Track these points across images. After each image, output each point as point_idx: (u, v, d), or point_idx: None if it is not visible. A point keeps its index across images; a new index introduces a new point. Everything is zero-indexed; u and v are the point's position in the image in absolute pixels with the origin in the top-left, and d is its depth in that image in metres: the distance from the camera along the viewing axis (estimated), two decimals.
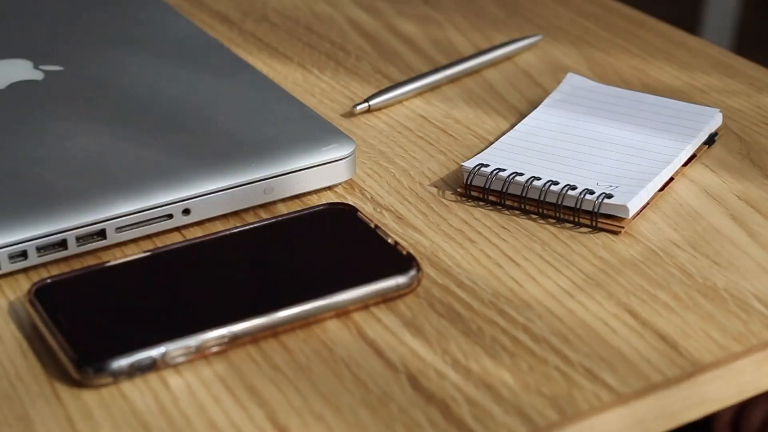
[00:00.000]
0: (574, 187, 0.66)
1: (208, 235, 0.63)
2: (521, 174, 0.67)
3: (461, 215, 0.67)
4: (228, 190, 0.65)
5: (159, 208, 0.64)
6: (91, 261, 0.63)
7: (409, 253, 0.61)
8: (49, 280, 0.59)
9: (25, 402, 0.54)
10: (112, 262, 0.61)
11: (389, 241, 0.62)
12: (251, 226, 0.64)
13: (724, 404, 0.57)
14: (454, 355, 0.56)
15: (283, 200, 0.68)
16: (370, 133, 0.75)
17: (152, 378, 0.55)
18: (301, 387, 0.54)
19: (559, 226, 0.66)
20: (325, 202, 0.67)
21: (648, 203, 0.67)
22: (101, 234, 0.63)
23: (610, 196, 0.65)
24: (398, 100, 0.78)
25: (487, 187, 0.67)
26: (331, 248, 0.63)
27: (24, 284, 0.61)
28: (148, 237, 0.65)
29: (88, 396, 0.54)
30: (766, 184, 0.69)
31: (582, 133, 0.72)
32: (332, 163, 0.68)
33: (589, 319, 0.58)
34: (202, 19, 0.91)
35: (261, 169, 0.66)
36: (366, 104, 0.77)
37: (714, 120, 0.73)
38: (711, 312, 0.59)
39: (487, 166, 0.68)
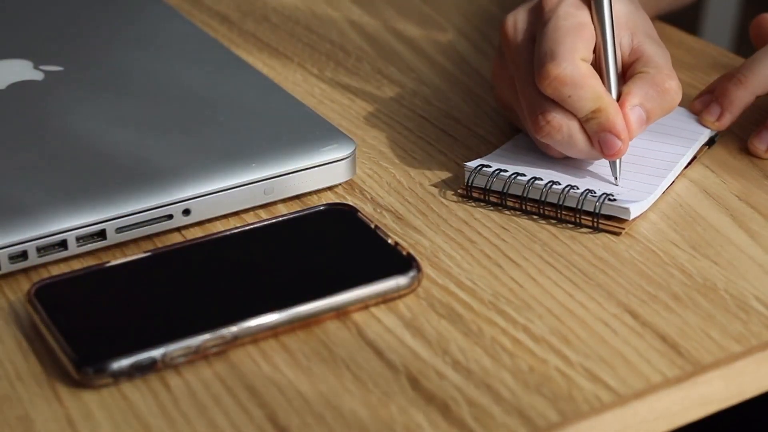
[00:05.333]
0: (576, 188, 0.66)
1: (208, 235, 0.63)
2: (523, 175, 0.67)
3: (461, 216, 0.67)
4: (228, 191, 0.65)
5: (159, 209, 0.64)
6: (91, 261, 0.63)
7: (409, 254, 0.61)
8: (49, 280, 0.59)
9: (25, 402, 0.54)
10: (112, 263, 0.61)
11: (389, 241, 0.62)
12: (251, 227, 0.64)
13: (724, 405, 0.57)
14: (454, 355, 0.56)
15: (283, 201, 0.68)
16: (370, 133, 0.75)
17: (152, 378, 0.55)
18: (301, 387, 0.54)
19: (559, 226, 0.66)
20: (325, 202, 0.67)
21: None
22: (101, 234, 0.63)
23: (612, 198, 0.65)
24: None
25: (488, 187, 0.67)
26: (331, 249, 0.63)
27: (24, 284, 0.61)
28: (148, 237, 0.65)
29: (88, 396, 0.54)
30: (766, 184, 0.69)
31: None
32: (332, 164, 0.68)
33: (589, 319, 0.58)
34: (202, 19, 0.91)
35: (261, 169, 0.66)
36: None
37: None
38: (711, 312, 0.59)
39: (488, 166, 0.68)
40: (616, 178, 0.67)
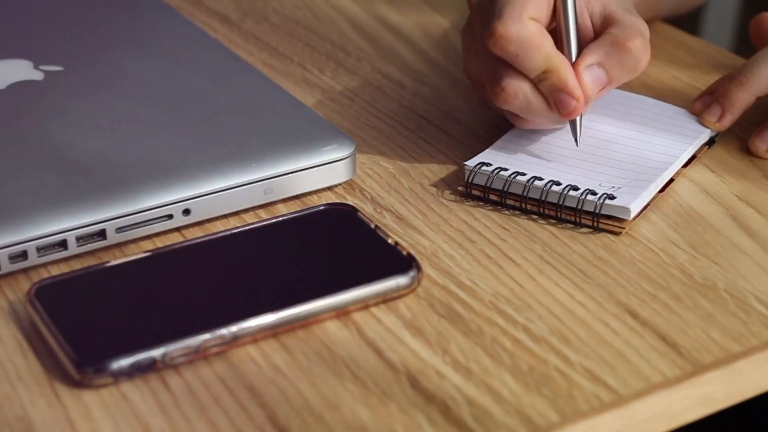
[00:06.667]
0: (576, 188, 0.66)
1: (208, 235, 0.63)
2: (523, 174, 0.67)
3: (461, 215, 0.67)
4: (228, 191, 0.65)
5: (159, 208, 0.64)
6: (91, 261, 0.63)
7: (409, 254, 0.61)
8: (49, 280, 0.59)
9: (25, 402, 0.54)
10: (113, 263, 0.61)
11: (389, 241, 0.62)
12: (251, 227, 0.63)
13: (724, 405, 0.57)
14: (454, 355, 0.56)
15: (283, 200, 0.68)
16: (370, 133, 0.75)
17: (152, 378, 0.55)
18: (301, 387, 0.54)
19: (559, 226, 0.66)
20: (325, 202, 0.67)
21: (649, 204, 0.67)
22: (101, 234, 0.63)
23: (612, 197, 0.65)
24: None
25: (488, 186, 0.67)
26: (331, 249, 0.63)
27: (24, 284, 0.61)
28: (148, 237, 0.65)
29: (88, 396, 0.54)
30: (766, 184, 0.69)
31: (583, 135, 0.72)
32: (332, 164, 0.68)
33: (589, 319, 0.58)
34: (202, 19, 0.91)
35: (261, 169, 0.66)
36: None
37: None
38: (711, 312, 0.59)
39: (489, 165, 0.68)
40: (576, 138, 0.67)
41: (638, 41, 0.66)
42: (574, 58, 0.67)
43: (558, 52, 0.65)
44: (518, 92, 0.65)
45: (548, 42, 0.65)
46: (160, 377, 0.55)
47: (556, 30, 0.67)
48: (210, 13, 0.92)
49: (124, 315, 0.57)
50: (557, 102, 0.65)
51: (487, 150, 0.70)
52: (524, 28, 0.64)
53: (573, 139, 0.69)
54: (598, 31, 0.68)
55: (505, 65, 0.66)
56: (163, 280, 0.60)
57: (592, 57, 0.66)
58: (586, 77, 0.66)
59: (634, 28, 0.67)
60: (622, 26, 0.67)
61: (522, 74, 0.65)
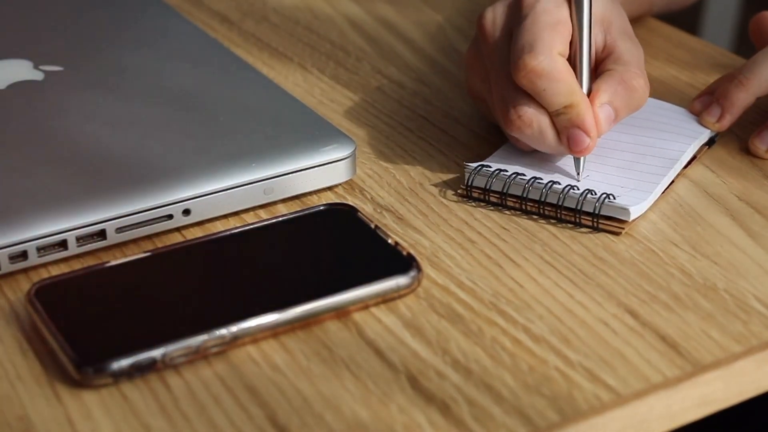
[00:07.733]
0: (576, 188, 0.66)
1: (208, 235, 0.63)
2: (523, 175, 0.67)
3: (461, 216, 0.67)
4: (228, 191, 0.65)
5: (159, 209, 0.64)
6: (91, 261, 0.63)
7: (409, 254, 0.61)
8: (49, 280, 0.59)
9: (25, 402, 0.54)
10: (112, 263, 0.61)
11: (389, 241, 0.62)
12: (251, 227, 0.63)
13: (724, 405, 0.57)
14: (454, 355, 0.56)
15: (283, 201, 0.68)
16: (370, 134, 0.75)
17: (152, 378, 0.55)
18: (301, 387, 0.54)
19: (559, 226, 0.66)
20: (325, 202, 0.67)
21: None
22: (101, 234, 0.63)
23: (612, 198, 0.65)
24: None
25: (488, 187, 0.67)
26: (331, 249, 0.63)
27: (24, 284, 0.61)
28: (148, 237, 0.65)
29: (88, 396, 0.54)
30: (766, 184, 0.69)
31: None
32: (332, 164, 0.68)
33: (589, 319, 0.58)
34: (202, 19, 0.91)
35: (261, 169, 0.66)
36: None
37: None
38: (711, 312, 0.59)
39: (489, 167, 0.68)
40: (578, 174, 0.67)
41: (641, 80, 0.67)
42: (585, 91, 0.67)
43: (580, 89, 0.66)
44: (533, 122, 0.66)
45: (572, 77, 0.66)
46: (160, 377, 0.55)
47: (569, 60, 0.67)
48: (210, 13, 0.92)
49: (124, 315, 0.57)
50: (571, 138, 0.66)
51: (488, 158, 0.70)
52: (554, 62, 0.65)
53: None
54: (599, 59, 0.69)
55: (522, 94, 0.66)
56: (163, 280, 0.60)
57: (605, 95, 0.67)
58: (601, 115, 0.66)
59: (635, 63, 0.68)
60: (625, 62, 0.68)
61: (540, 106, 0.66)
